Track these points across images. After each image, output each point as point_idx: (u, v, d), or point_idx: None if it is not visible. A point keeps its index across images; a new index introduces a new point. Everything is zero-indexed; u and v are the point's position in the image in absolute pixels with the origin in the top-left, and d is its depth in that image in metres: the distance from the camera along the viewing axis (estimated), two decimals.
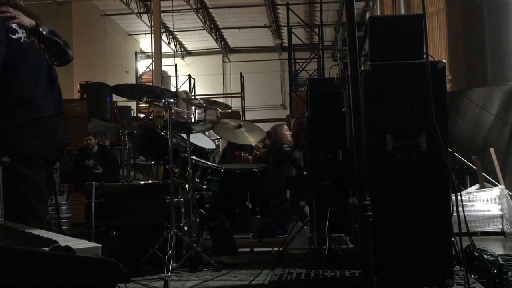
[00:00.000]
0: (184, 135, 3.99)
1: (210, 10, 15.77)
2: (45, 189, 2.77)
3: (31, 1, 2.89)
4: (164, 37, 16.51)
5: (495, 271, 3.27)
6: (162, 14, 12.74)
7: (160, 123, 6.82)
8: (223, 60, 19.83)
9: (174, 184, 3.77)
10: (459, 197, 2.65)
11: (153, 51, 12.15)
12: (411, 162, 2.72)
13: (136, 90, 4.58)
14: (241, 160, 7.08)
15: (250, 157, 7.12)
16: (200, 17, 15.50)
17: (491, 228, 5.52)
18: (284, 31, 15.64)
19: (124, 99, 8.82)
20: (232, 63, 19.74)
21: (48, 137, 2.80)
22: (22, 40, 2.70)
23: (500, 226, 5.50)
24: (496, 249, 4.23)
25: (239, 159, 7.06)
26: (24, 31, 2.73)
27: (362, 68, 2.75)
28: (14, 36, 2.68)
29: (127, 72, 16.65)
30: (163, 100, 3.84)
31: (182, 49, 19.43)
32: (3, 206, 2.43)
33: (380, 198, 2.58)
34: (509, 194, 5.64)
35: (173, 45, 18.31)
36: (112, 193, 4.10)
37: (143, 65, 17.03)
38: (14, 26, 2.68)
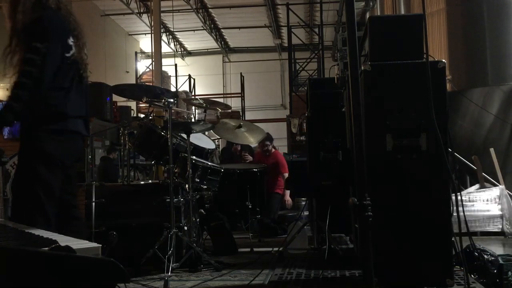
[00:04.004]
0: (184, 135, 3.99)
1: (210, 10, 15.76)
2: (58, 192, 2.77)
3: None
4: (164, 37, 16.50)
5: (495, 271, 3.27)
6: (162, 14, 12.74)
7: (160, 123, 6.82)
8: (223, 60, 19.83)
9: (174, 184, 3.77)
10: (459, 197, 2.65)
11: (153, 51, 12.15)
12: (411, 162, 2.72)
13: (136, 90, 4.57)
14: (240, 154, 7.05)
15: (251, 157, 7.09)
16: (200, 17, 15.49)
17: (491, 228, 5.51)
18: (284, 31, 15.64)
19: (124, 99, 8.81)
20: (232, 63, 19.74)
21: (69, 139, 2.83)
22: (72, 57, 2.81)
23: (500, 226, 5.49)
24: (496, 249, 4.23)
25: (238, 154, 7.04)
26: (75, 46, 2.81)
27: (362, 68, 2.75)
28: (67, 54, 2.79)
29: (127, 72, 16.65)
30: (163, 100, 3.84)
31: (182, 49, 19.43)
32: (3, 206, 2.43)
33: (380, 198, 2.58)
34: (509, 194, 5.63)
35: (173, 45, 18.31)
36: (112, 193, 4.10)
37: (143, 65, 17.02)
38: (70, 41, 2.78)
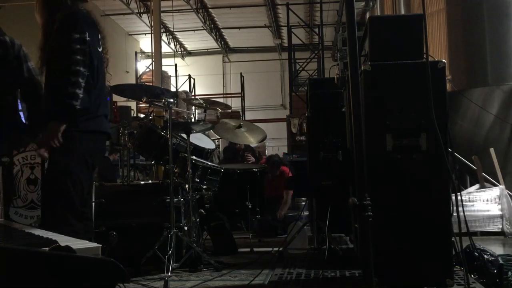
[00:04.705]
0: (184, 135, 3.99)
1: (210, 10, 15.75)
2: (86, 192, 2.79)
3: (33, 2, 2.91)
4: (164, 37, 16.49)
5: (495, 271, 3.27)
6: (162, 14, 12.73)
7: (160, 123, 6.82)
8: (223, 60, 19.82)
9: (174, 184, 3.77)
10: (459, 197, 2.65)
11: (153, 51, 12.15)
12: (411, 162, 2.72)
13: (136, 90, 4.57)
14: (243, 153, 7.04)
15: (253, 158, 7.09)
16: (200, 17, 15.49)
17: (491, 228, 5.51)
18: (284, 31, 15.63)
19: (124, 99, 8.81)
20: (232, 63, 19.73)
21: (99, 140, 2.84)
22: (102, 53, 2.83)
23: (500, 226, 5.50)
24: (496, 249, 4.23)
25: (241, 152, 7.03)
26: (102, 44, 2.83)
27: (362, 68, 2.75)
28: (99, 49, 2.80)
29: (127, 72, 16.64)
30: (163, 100, 3.84)
31: (182, 49, 19.42)
32: (3, 206, 2.43)
33: (380, 198, 2.58)
34: (509, 194, 5.63)
35: (173, 45, 18.30)
36: (112, 193, 4.10)
37: (143, 65, 17.00)
38: (100, 37, 2.79)
